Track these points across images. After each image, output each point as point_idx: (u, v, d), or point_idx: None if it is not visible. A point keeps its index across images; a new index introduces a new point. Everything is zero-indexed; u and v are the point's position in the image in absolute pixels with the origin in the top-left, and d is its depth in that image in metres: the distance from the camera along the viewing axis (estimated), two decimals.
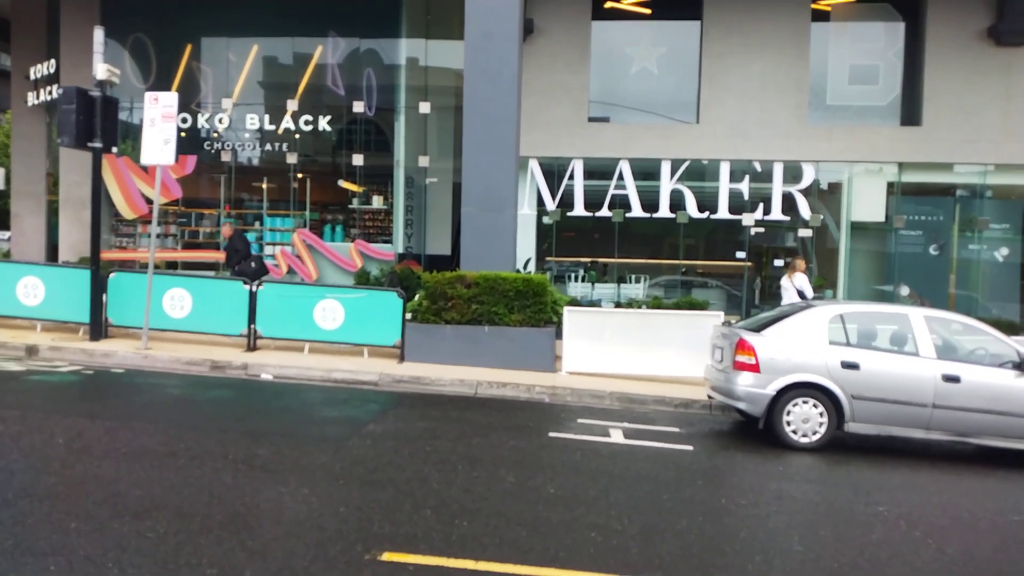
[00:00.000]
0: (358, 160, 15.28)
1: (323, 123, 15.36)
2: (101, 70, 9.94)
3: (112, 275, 10.42)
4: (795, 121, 13.70)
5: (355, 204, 16.00)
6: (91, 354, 9.52)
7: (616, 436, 6.91)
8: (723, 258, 15.10)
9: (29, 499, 4.12)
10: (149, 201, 15.57)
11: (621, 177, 14.02)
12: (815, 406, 6.98)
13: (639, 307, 13.62)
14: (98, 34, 10.13)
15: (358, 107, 15.22)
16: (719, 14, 13.80)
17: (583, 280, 15.38)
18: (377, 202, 15.94)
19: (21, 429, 5.63)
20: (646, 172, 14.11)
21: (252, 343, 10.24)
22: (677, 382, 9.86)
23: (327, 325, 10.20)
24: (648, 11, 13.95)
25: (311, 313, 10.18)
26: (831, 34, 14.07)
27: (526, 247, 14.60)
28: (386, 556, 3.67)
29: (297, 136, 15.36)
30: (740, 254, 14.24)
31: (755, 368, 7.05)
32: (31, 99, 17.05)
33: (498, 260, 10.57)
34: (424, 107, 15.19)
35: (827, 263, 14.17)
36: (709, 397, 8.29)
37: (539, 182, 14.21)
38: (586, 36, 14.04)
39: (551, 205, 14.17)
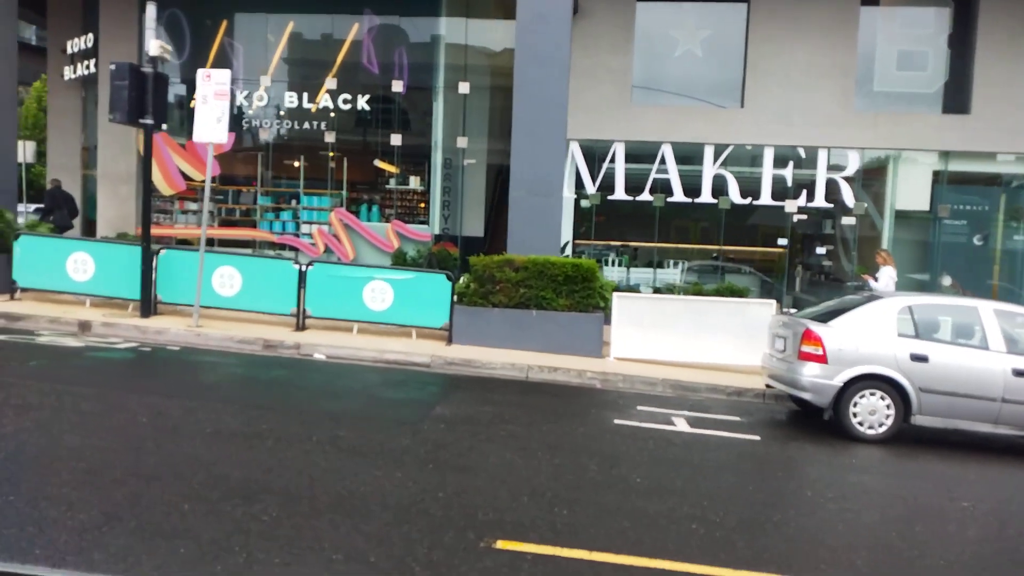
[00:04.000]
0: (396, 140, 15.22)
1: (362, 102, 15.29)
2: (154, 46, 9.89)
3: (162, 252, 10.45)
4: (841, 107, 13.51)
5: (391, 184, 15.97)
6: (144, 331, 9.57)
7: (680, 424, 6.90)
8: (754, 244, 15.02)
9: (136, 479, 4.16)
10: (186, 177, 15.59)
11: (663, 161, 13.89)
12: (882, 398, 6.94)
13: (677, 292, 13.58)
14: (150, 10, 10.06)
15: (397, 86, 15.12)
16: None
17: (617, 264, 15.34)
18: (414, 183, 15.89)
19: (103, 407, 5.67)
20: (688, 156, 13.98)
21: (301, 322, 10.27)
22: (726, 370, 9.84)
23: (376, 306, 10.22)
24: None
25: (360, 294, 10.19)
26: (879, 19, 13.82)
27: (564, 230, 14.54)
28: (500, 544, 3.68)
29: (333, 115, 15.30)
30: (782, 241, 14.13)
31: (822, 359, 7.00)
32: (67, 73, 17.04)
33: (544, 244, 10.54)
34: (463, 87, 15.07)
35: (869, 251, 14.02)
36: (767, 386, 8.26)
37: (579, 165, 14.09)
38: (630, 17, 13.85)
39: (591, 188, 14.07)
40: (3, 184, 11.82)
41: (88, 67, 16.62)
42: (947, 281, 13.57)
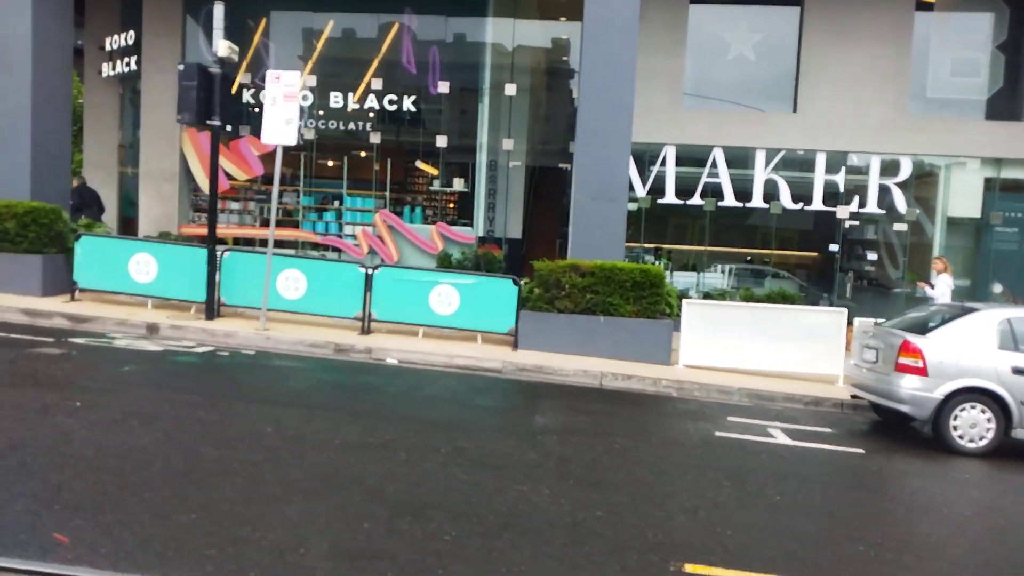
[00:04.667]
0: (441, 142, 15.18)
1: (407, 103, 15.21)
2: (223, 47, 9.81)
3: (226, 254, 10.39)
4: (894, 113, 13.46)
5: (435, 186, 15.91)
6: (212, 334, 9.51)
7: (780, 437, 6.85)
8: (796, 248, 15.00)
9: (299, 495, 4.10)
10: (231, 177, 15.51)
11: (714, 165, 13.84)
12: (983, 411, 6.90)
13: (728, 297, 13.54)
14: (218, 10, 9.98)
15: (442, 87, 15.07)
16: (821, 1, 13.50)
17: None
18: (457, 184, 15.82)
19: (219, 416, 5.61)
20: (739, 160, 13.93)
21: (366, 326, 10.22)
22: (796, 378, 9.80)
23: (442, 310, 10.16)
24: None
25: (427, 298, 10.14)
26: (933, 24, 13.77)
27: None
28: (689, 568, 3.63)
29: (376, 115, 15.22)
30: (833, 247, 14.08)
31: (922, 371, 6.96)
32: (105, 70, 16.96)
33: (608, 249, 10.47)
34: (510, 88, 15.03)
35: (919, 258, 13.98)
36: (853, 396, 8.21)
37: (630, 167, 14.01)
38: (683, 20, 13.79)
39: (641, 191, 14.03)
40: (57, 184, 11.73)
41: (128, 64, 16.54)
42: (998, 288, 13.53)
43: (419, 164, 15.99)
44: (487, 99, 15.34)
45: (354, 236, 15.68)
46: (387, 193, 15.88)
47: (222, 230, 15.82)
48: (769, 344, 9.94)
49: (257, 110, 15.60)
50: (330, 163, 16.08)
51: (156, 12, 15.33)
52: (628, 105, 10.50)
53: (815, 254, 14.62)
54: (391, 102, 15.23)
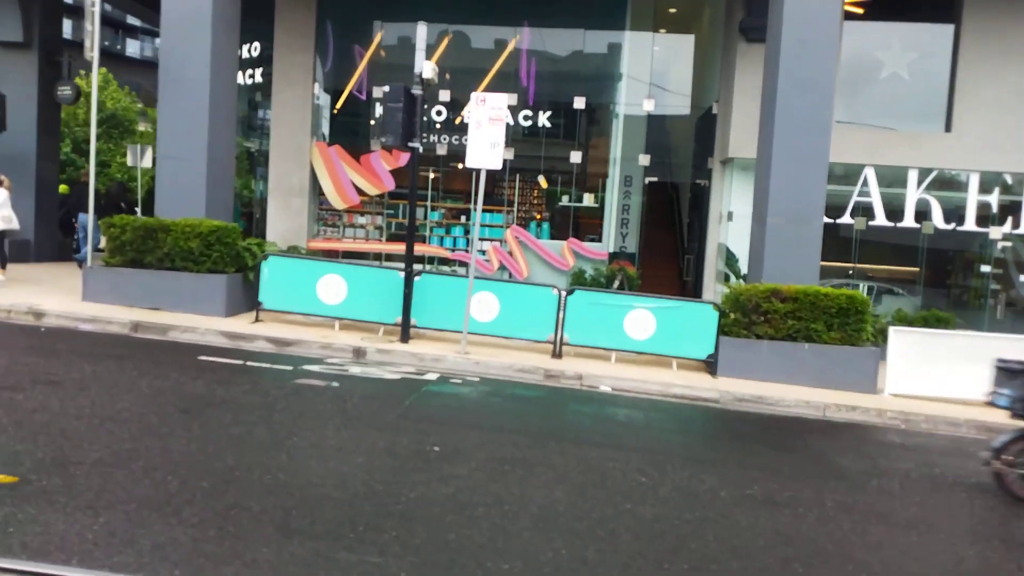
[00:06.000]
0: (575, 157, 15.06)
1: (543, 118, 15.08)
2: (428, 68, 9.69)
3: (419, 276, 10.24)
4: None
5: (565, 201, 15.76)
6: (421, 358, 9.37)
7: None
8: (937, 266, 14.78)
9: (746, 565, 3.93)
10: (360, 192, 15.42)
11: (865, 183, 13.65)
12: None
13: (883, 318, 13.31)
14: (421, 29, 9.87)
15: (578, 103, 14.94)
16: (977, 19, 13.30)
17: None
18: (588, 199, 15.67)
19: (574, 462, 5.40)
20: (890, 179, 13.73)
21: (557, 350, 10.06)
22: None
23: (637, 335, 9.99)
24: (860, 10, 13.40)
25: (621, 322, 9.98)
26: None
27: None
28: None
29: (506, 130, 15.05)
30: (985, 268, 13.85)
31: None
32: None
33: (803, 273, 10.29)
34: (648, 104, 14.87)
35: None
36: None
37: None
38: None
39: None
40: (225, 201, 11.62)
41: (252, 76, 16.48)
42: None
43: (541, 180, 15.85)
44: (622, 114, 15.19)
45: (483, 251, 15.56)
46: (515, 208, 15.74)
47: (347, 244, 15.76)
48: (973, 371, 9.70)
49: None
50: (458, 178, 15.92)
51: (288, 26, 15.24)
52: (827, 128, 10.33)
53: (915, 270, 14.30)
54: (526, 117, 15.10)
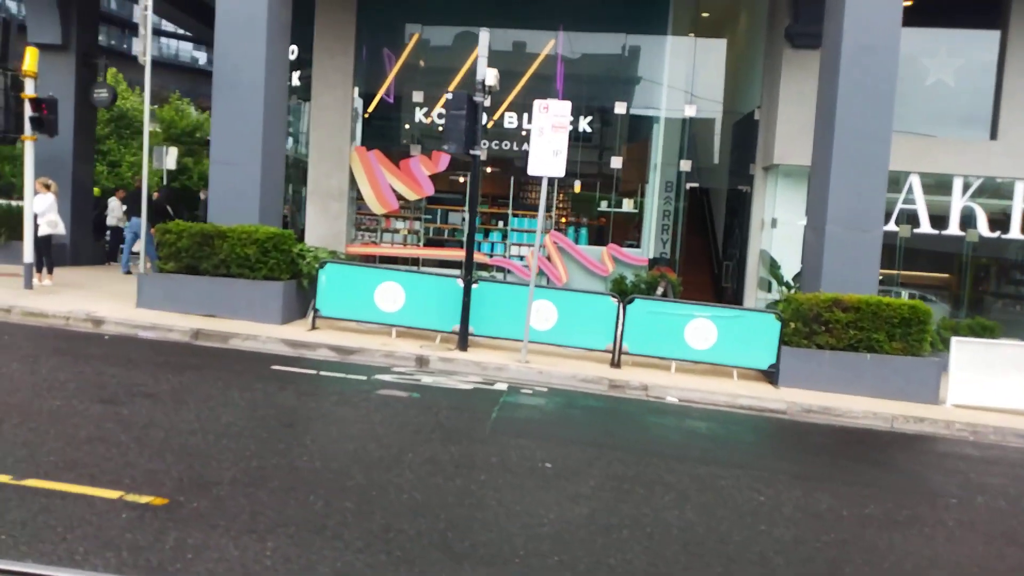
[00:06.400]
0: (616, 163, 15.01)
1: (583, 124, 15.04)
2: (491, 75, 9.64)
3: (475, 285, 10.19)
4: None
5: (604, 207, 15.71)
6: (484, 367, 9.32)
7: None
8: (983, 274, 14.74)
9: None
10: (399, 197, 15.37)
11: (910, 191, 13.61)
12: None
13: None
14: (484, 37, 9.81)
15: (619, 108, 14.90)
16: None
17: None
18: (627, 205, 15.64)
19: (697, 485, 5.34)
20: (934, 186, 13.70)
21: (616, 359, 10.01)
22: None
23: (698, 344, 9.95)
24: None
25: (682, 331, 9.93)
26: None
27: (793, 259, 14.32)
28: None
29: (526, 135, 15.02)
30: None
31: None
32: None
33: (862, 282, 10.24)
34: (689, 110, 14.85)
35: None
36: None
37: None
38: None
39: None
40: (276, 207, 11.56)
41: (290, 79, 16.39)
42: None
43: (576, 187, 15.82)
44: (663, 119, 15.15)
45: (522, 257, 15.53)
46: (553, 214, 15.70)
47: (385, 249, 15.72)
48: None
49: (431, 128, 15.47)
50: (496, 183, 15.89)
51: (328, 31, 15.19)
52: (887, 136, 10.29)
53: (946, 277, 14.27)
54: (571, 123, 15.01)
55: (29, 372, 6.42)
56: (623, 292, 14.14)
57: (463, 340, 9.96)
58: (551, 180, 15.33)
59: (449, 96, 9.63)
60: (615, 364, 10.01)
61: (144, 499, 3.84)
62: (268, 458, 4.76)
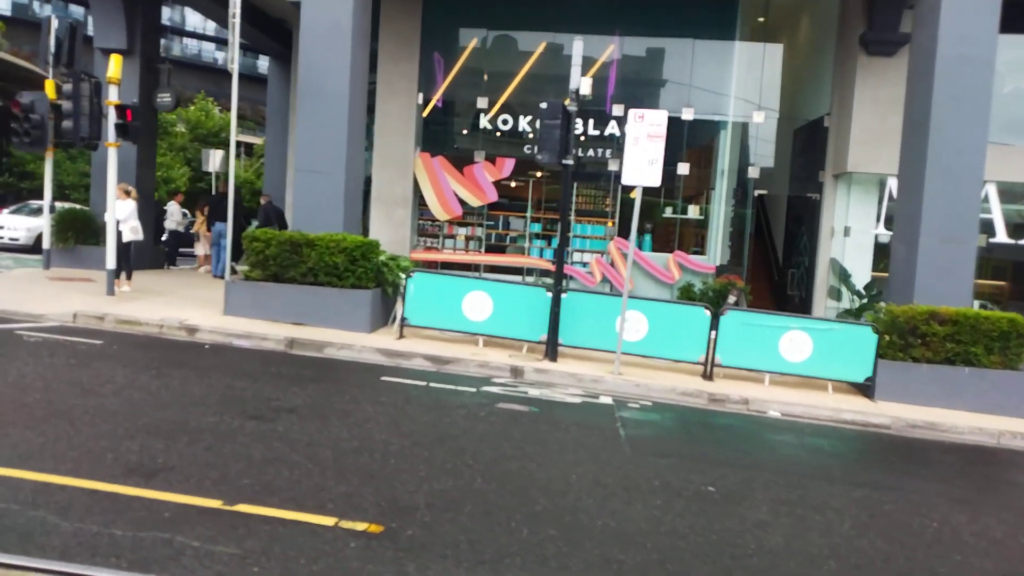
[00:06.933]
0: (682, 169, 14.89)
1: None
2: (585, 84, 9.58)
3: (564, 295, 10.12)
4: None
5: (669, 213, 15.61)
6: (579, 378, 9.25)
7: None
8: None
9: None
10: (462, 203, 15.34)
11: (985, 199, 13.42)
12: None
13: None
14: (577, 46, 9.75)
15: (687, 114, 14.79)
16: None
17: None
18: (692, 212, 15.52)
19: (851, 506, 5.27)
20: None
21: (708, 371, 9.91)
22: None
23: (792, 356, 9.83)
24: None
25: (777, 343, 9.82)
26: None
27: (864, 267, 14.19)
28: None
29: (614, 142, 14.96)
30: None
31: None
32: None
33: (956, 295, 10.09)
34: (758, 116, 14.72)
35: None
36: None
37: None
38: None
39: None
40: (356, 214, 11.54)
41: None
42: None
43: (631, 194, 15.68)
44: (729, 125, 15.02)
45: (584, 263, 15.45)
46: (616, 220, 15.60)
47: (446, 255, 15.69)
48: None
49: (499, 134, 15.43)
50: (558, 188, 15.79)
51: (393, 38, 15.18)
52: (982, 144, 10.13)
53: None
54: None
55: (164, 386, 6.41)
56: (691, 299, 14.05)
57: (552, 351, 9.90)
58: (615, 185, 15.34)
59: (543, 106, 9.57)
60: (707, 376, 9.91)
61: (360, 526, 3.79)
62: (442, 479, 4.71)
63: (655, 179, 9.50)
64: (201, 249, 17.09)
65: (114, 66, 11.20)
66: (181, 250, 18.38)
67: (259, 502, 3.94)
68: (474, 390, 7.90)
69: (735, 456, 6.60)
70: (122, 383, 6.32)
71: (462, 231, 15.88)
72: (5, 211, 21.66)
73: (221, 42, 58.33)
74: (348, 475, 4.57)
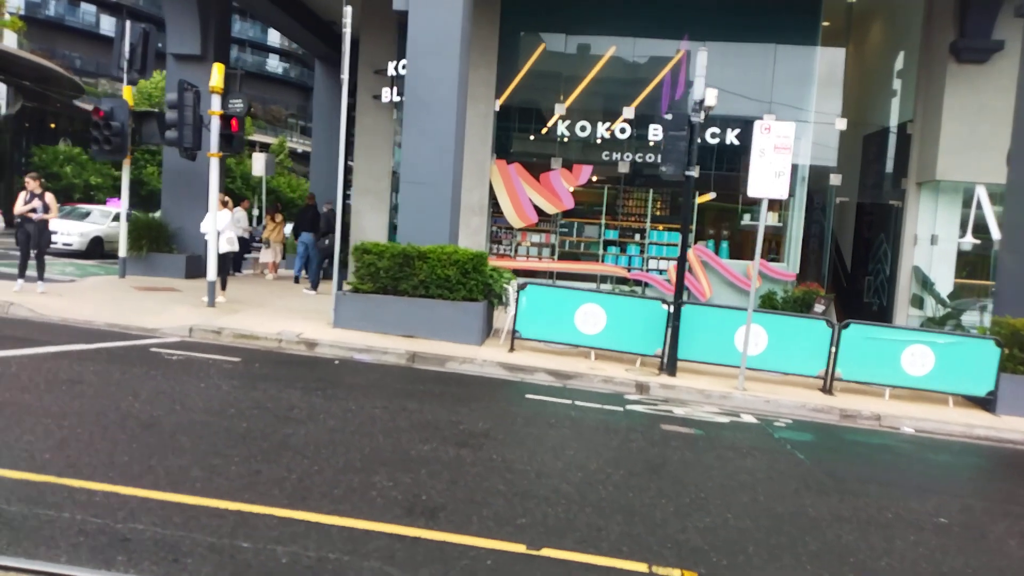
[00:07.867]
0: None
1: (731, 136, 14.84)
2: (711, 95, 9.48)
3: (681, 307, 10.01)
4: None
5: (746, 220, 15.51)
6: (707, 395, 9.15)
7: None
8: None
9: None
10: (538, 210, 15.24)
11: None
12: None
13: None
14: (702, 57, 9.64)
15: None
16: None
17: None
18: (771, 219, 15.41)
19: None
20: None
21: (828, 385, 9.82)
22: None
23: (914, 370, 9.74)
24: None
25: (899, 357, 9.73)
26: None
27: (946, 274, 14.11)
28: None
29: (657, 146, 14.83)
30: None
31: None
32: (385, 95, 16.72)
33: None
34: (840, 123, 14.61)
35: None
36: None
37: (986, 210, 13.57)
38: None
39: (997, 233, 13.53)
40: (455, 226, 11.43)
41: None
42: None
43: (699, 199, 15.60)
44: (811, 131, 14.92)
45: (662, 271, 15.36)
46: (694, 227, 15.50)
47: (520, 263, 15.59)
48: None
49: (566, 140, 15.32)
50: (636, 196, 15.70)
51: (472, 45, 14.97)
52: None
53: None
54: (713, 135, 14.86)
55: (345, 410, 6.30)
56: (774, 308, 13.97)
57: (671, 365, 9.81)
58: (692, 191, 15.20)
59: (668, 116, 9.46)
60: (826, 390, 9.83)
61: (674, 572, 3.70)
62: (696, 517, 4.62)
63: (783, 191, 9.39)
64: (269, 256, 16.97)
65: (217, 75, 11.11)
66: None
67: (554, 545, 3.85)
68: (620, 409, 7.80)
69: (924, 481, 6.50)
70: (304, 407, 6.22)
71: (535, 238, 15.79)
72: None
73: (253, 46, 58.25)
74: (606, 511, 4.48)
